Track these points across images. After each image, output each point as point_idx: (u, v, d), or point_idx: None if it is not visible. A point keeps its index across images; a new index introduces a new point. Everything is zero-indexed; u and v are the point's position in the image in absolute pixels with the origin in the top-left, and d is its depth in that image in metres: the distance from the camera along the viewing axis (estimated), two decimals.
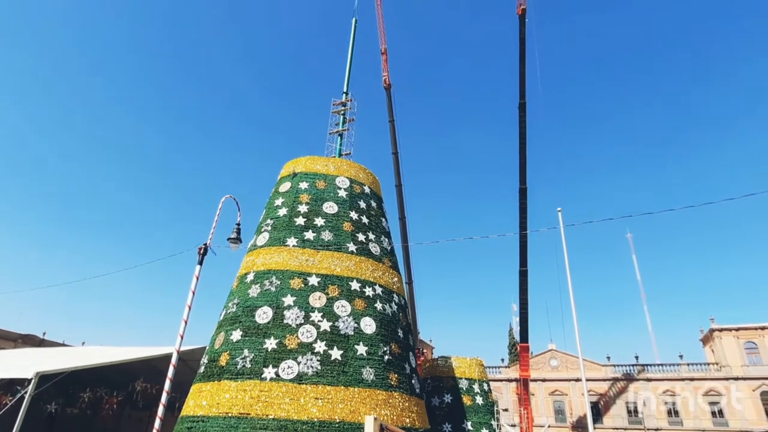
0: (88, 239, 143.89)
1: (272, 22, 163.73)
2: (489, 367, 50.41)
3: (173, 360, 12.63)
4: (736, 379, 43.83)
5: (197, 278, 13.79)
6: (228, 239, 14.85)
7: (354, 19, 32.38)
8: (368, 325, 14.83)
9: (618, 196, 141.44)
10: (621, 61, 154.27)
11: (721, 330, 46.78)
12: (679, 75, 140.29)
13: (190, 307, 13.25)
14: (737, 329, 46.32)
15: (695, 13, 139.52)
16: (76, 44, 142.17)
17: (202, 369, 14.63)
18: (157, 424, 11.72)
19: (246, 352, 13.55)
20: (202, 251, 14.15)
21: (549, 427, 48.66)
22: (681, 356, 48.19)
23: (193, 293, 13.52)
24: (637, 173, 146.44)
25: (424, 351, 53.85)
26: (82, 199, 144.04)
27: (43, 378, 18.25)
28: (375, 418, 8.22)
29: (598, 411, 47.04)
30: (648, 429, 44.60)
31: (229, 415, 12.41)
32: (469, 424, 22.98)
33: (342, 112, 24.76)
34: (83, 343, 50.02)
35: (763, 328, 45.43)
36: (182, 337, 12.91)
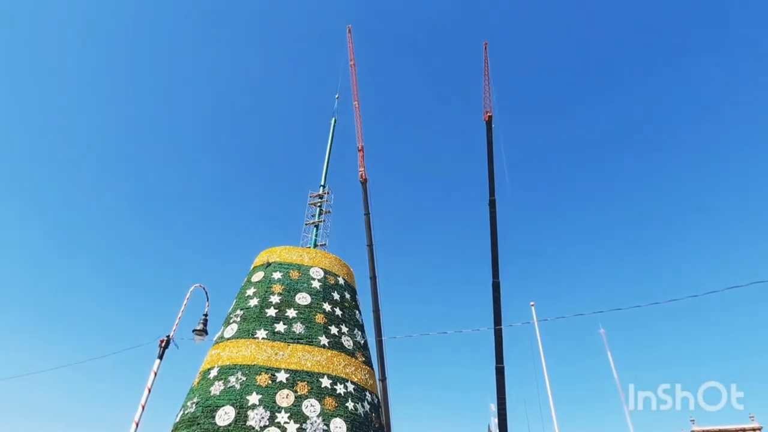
0: (28, 329, 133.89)
1: (253, 108, 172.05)
2: None
3: None
4: None
5: (155, 374, 12.85)
6: (193, 331, 14.13)
7: (334, 118, 34.51)
8: (338, 428, 13.83)
9: (592, 288, 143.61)
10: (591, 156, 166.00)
11: None
12: (653, 165, 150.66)
13: (143, 407, 12.16)
14: (719, 431, 45.08)
15: (656, 112, 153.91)
16: (33, 131, 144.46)
17: None
18: None
19: None
20: (163, 344, 13.35)
21: None
22: None
23: (149, 391, 12.49)
24: (610, 266, 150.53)
25: None
26: (20, 286, 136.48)
27: None
28: None
29: None
30: None
31: None
32: None
33: (319, 204, 25.31)
34: None
35: (744, 430, 44.34)
36: None
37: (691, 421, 47.34)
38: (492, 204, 40.29)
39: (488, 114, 40.31)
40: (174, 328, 13.80)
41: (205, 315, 14.60)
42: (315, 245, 23.40)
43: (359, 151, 47.50)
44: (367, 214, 45.02)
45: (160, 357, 13.16)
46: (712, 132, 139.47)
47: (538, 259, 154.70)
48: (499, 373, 39.98)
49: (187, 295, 14.62)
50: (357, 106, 48.46)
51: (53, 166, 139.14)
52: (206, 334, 14.26)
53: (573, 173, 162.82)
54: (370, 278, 43.91)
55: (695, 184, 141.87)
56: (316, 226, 24.43)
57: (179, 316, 14.21)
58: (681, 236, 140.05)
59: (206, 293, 15.00)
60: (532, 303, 27.07)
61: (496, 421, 41.98)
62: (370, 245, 44.24)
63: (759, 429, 44.00)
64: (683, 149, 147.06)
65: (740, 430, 44.63)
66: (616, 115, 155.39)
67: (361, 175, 46.09)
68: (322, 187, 26.78)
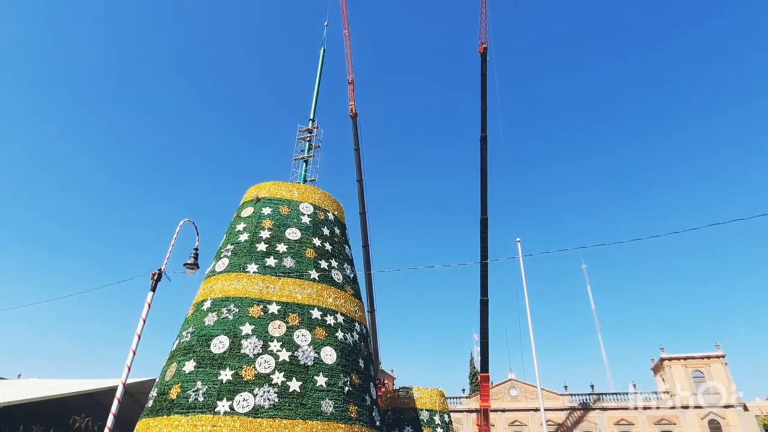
0: (28, 263, 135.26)
1: (240, 43, 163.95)
2: (450, 398, 49.98)
3: (118, 393, 11.85)
4: (686, 408, 45.29)
5: (149, 305, 13.15)
6: (184, 264, 14.30)
7: (322, 48, 32.98)
8: (328, 355, 14.49)
9: (577, 227, 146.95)
10: (580, 96, 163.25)
11: (670, 359, 48.49)
12: (639, 111, 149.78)
13: (139, 336, 12.56)
14: (685, 358, 48.15)
15: (650, 62, 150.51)
16: (19, 73, 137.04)
17: (150, 403, 13.78)
18: None
19: (199, 384, 12.91)
20: (155, 277, 13.55)
21: None
22: (634, 385, 49.51)
23: (144, 321, 12.85)
24: (596, 204, 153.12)
25: (386, 382, 52.96)
26: (22, 221, 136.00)
27: None
28: None
29: None
30: None
31: None
32: None
33: (308, 138, 24.82)
34: (19, 376, 46.29)
35: (708, 357, 47.44)
36: (129, 369, 12.18)
37: (661, 348, 50.50)
38: (483, 140, 39.90)
39: (483, 45, 38.77)
40: (165, 262, 13.96)
41: (196, 249, 14.73)
42: (304, 180, 23.24)
43: (349, 84, 46.00)
44: (357, 150, 44.49)
45: (153, 289, 13.41)
46: (710, 85, 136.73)
47: (527, 197, 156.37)
48: (484, 305, 41.79)
49: (177, 229, 14.65)
50: (347, 35, 46.25)
51: (49, 99, 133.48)
52: (197, 267, 14.46)
53: (566, 116, 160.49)
54: (360, 214, 44.33)
55: (686, 134, 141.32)
56: (306, 162, 24.14)
57: (170, 249, 14.33)
58: (668, 180, 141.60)
59: (196, 228, 15.04)
60: (518, 239, 27.68)
61: (479, 349, 44.48)
62: (360, 181, 44.21)
63: (723, 356, 47.16)
64: (682, 101, 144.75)
65: (705, 357, 47.77)
66: (612, 67, 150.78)
67: (352, 109, 44.95)
68: (311, 121, 26.13)
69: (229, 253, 16.73)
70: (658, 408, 46.24)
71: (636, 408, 46.78)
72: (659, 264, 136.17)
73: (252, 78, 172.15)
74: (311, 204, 18.71)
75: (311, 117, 26.47)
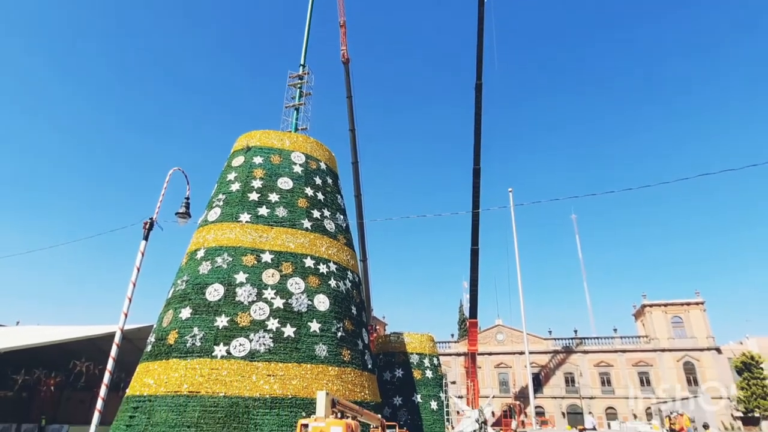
0: (24, 212, 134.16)
1: None
2: (439, 342, 52.00)
3: (116, 339, 12.13)
4: (663, 350, 47.62)
5: (143, 254, 13.21)
6: (176, 214, 14.24)
7: None
8: (322, 302, 14.84)
9: (568, 176, 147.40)
10: (575, 44, 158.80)
11: (651, 306, 50.42)
12: (633, 56, 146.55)
13: (134, 284, 12.70)
14: (665, 305, 50.09)
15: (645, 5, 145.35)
16: (11, 22, 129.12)
17: (149, 348, 14.18)
18: (99, 404, 11.27)
19: (196, 330, 13.25)
20: (147, 226, 13.51)
21: (493, 397, 51.19)
22: (615, 330, 51.70)
23: (138, 270, 12.95)
24: (586, 154, 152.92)
25: (377, 327, 54.75)
26: (15, 170, 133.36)
27: None
28: (327, 393, 8.31)
29: (539, 382, 49.83)
30: (583, 397, 47.90)
31: (178, 393, 12.16)
32: (418, 396, 23.74)
33: (299, 85, 24.09)
34: (18, 323, 47.09)
35: (687, 304, 49.37)
36: (126, 315, 12.40)
37: (643, 296, 52.34)
38: (478, 88, 39.00)
39: None
40: (156, 211, 13.88)
41: (187, 198, 14.61)
42: (296, 129, 22.79)
43: (341, 27, 44.17)
44: (350, 98, 43.41)
45: (146, 238, 13.41)
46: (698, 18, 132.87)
47: (520, 144, 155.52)
48: (474, 254, 42.51)
49: (167, 178, 14.46)
50: None
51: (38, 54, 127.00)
52: (189, 217, 14.40)
53: (562, 57, 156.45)
54: (352, 163, 43.92)
55: (678, 74, 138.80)
56: (297, 109, 23.56)
57: (160, 198, 14.20)
58: (660, 126, 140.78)
59: (186, 177, 14.84)
60: (510, 189, 27.79)
61: (468, 296, 45.75)
62: (353, 130, 43.48)
63: (701, 303, 49.07)
64: (672, 36, 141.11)
65: (685, 303, 49.71)
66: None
67: (343, 54, 43.43)
68: (302, 67, 25.26)
69: (221, 203, 16.66)
70: (636, 351, 48.61)
71: (615, 351, 49.15)
72: (647, 210, 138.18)
73: (239, 21, 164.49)
74: (303, 153, 18.47)
75: (302, 62, 25.56)
